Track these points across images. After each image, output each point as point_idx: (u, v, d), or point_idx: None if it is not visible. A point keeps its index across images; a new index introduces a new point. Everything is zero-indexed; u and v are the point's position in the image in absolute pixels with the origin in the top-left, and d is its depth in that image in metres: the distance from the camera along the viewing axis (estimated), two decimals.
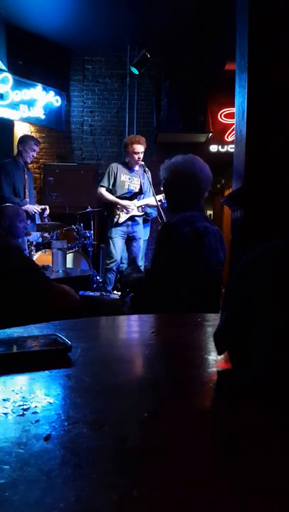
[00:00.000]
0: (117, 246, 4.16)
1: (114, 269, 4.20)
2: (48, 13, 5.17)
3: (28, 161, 4.23)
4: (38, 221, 4.37)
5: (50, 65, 5.95)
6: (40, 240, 4.35)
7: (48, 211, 4.23)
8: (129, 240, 4.24)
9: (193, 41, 5.46)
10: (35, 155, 4.29)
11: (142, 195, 4.18)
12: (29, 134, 5.52)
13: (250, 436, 0.34)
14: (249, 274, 0.48)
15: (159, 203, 3.68)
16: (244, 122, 1.94)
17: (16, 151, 4.31)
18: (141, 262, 4.43)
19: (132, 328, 0.88)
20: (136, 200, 4.15)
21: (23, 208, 3.98)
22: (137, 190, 4.17)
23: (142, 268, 3.51)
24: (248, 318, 0.45)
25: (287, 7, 1.88)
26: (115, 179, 4.13)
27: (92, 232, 4.77)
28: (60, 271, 2.69)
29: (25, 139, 4.26)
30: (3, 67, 5.53)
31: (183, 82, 5.70)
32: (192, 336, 0.76)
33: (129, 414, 0.39)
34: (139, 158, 4.04)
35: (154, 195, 3.83)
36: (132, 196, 4.15)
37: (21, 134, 4.85)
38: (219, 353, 0.51)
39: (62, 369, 0.51)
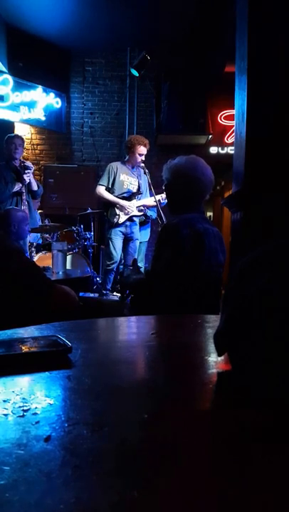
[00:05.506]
0: (117, 246, 4.16)
1: (114, 269, 4.20)
2: (49, 15, 5.18)
3: (17, 156, 4.16)
4: (39, 223, 4.37)
5: (50, 66, 5.96)
6: (40, 241, 4.36)
7: (30, 164, 4.07)
8: (126, 240, 4.23)
9: (193, 43, 5.47)
10: (21, 149, 4.21)
11: (140, 196, 4.17)
12: (24, 136, 5.47)
13: (250, 436, 0.34)
14: (249, 275, 0.48)
15: (158, 203, 3.67)
16: (244, 124, 1.94)
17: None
18: (141, 264, 4.43)
19: (132, 329, 0.88)
20: (135, 200, 4.14)
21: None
22: (135, 191, 4.17)
23: (142, 269, 3.51)
24: (248, 318, 0.45)
25: (287, 8, 1.89)
26: (114, 178, 4.12)
27: (92, 233, 4.77)
28: (60, 272, 2.69)
29: (6, 139, 4.24)
30: (4, 69, 5.54)
31: (183, 83, 5.71)
32: (192, 338, 0.76)
33: (130, 415, 0.39)
34: (141, 160, 4.04)
35: (152, 195, 3.82)
36: (131, 196, 4.14)
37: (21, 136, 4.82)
38: (219, 354, 0.51)
39: (62, 370, 0.51)
